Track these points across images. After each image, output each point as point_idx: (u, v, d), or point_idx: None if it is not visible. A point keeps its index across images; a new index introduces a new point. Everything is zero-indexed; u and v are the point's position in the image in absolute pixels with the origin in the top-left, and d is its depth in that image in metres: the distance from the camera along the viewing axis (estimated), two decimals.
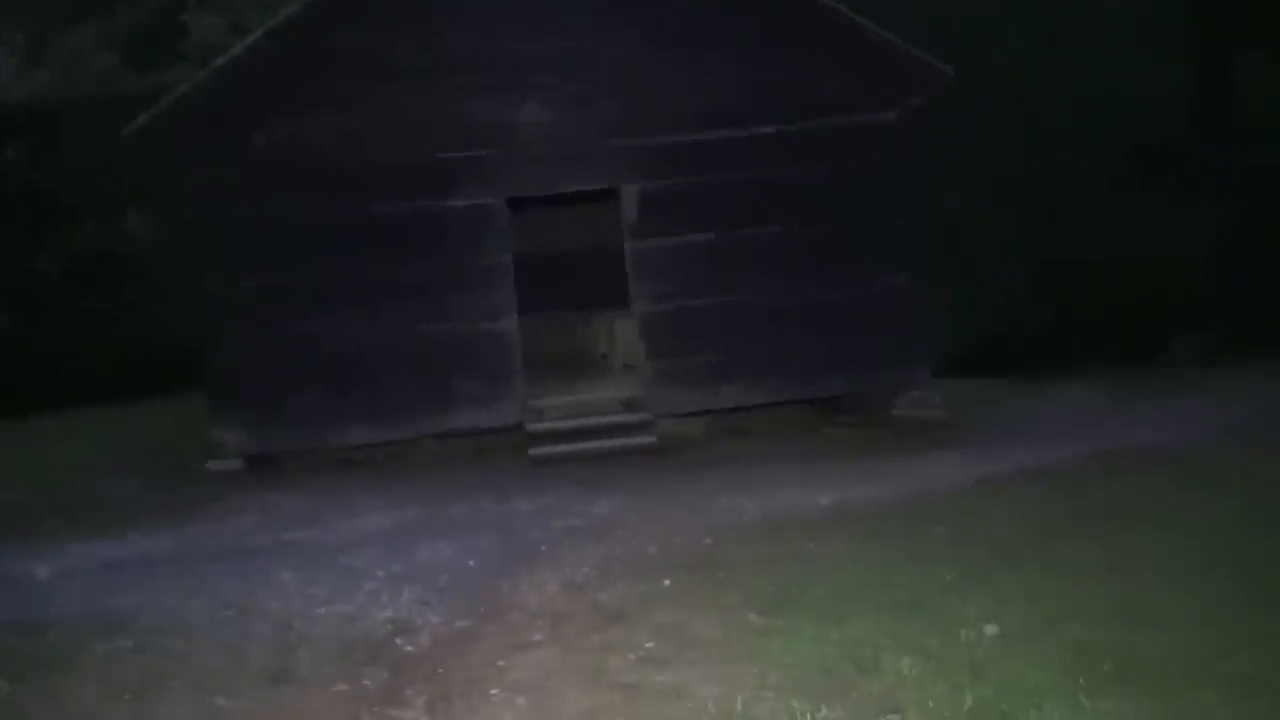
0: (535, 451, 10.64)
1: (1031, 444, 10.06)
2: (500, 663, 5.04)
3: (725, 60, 11.50)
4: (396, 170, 11.12)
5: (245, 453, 11.00)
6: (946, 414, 11.81)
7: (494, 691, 4.69)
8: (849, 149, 11.61)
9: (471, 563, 6.90)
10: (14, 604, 6.40)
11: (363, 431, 11.16)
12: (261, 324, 11.01)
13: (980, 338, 18.94)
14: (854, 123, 11.63)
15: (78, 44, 18.74)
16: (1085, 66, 20.88)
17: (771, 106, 11.53)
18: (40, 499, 10.08)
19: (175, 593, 6.47)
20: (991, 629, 4.90)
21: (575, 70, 11.29)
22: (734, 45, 11.48)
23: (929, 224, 12.96)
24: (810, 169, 11.55)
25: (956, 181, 19.03)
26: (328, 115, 11.10)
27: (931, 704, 4.16)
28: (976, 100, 17.20)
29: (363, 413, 11.13)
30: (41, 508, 9.67)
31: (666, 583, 6.05)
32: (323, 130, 11.08)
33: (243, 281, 10.99)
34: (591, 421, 11.03)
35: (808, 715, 4.13)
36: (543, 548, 7.08)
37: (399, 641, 5.51)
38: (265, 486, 10.15)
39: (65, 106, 17.66)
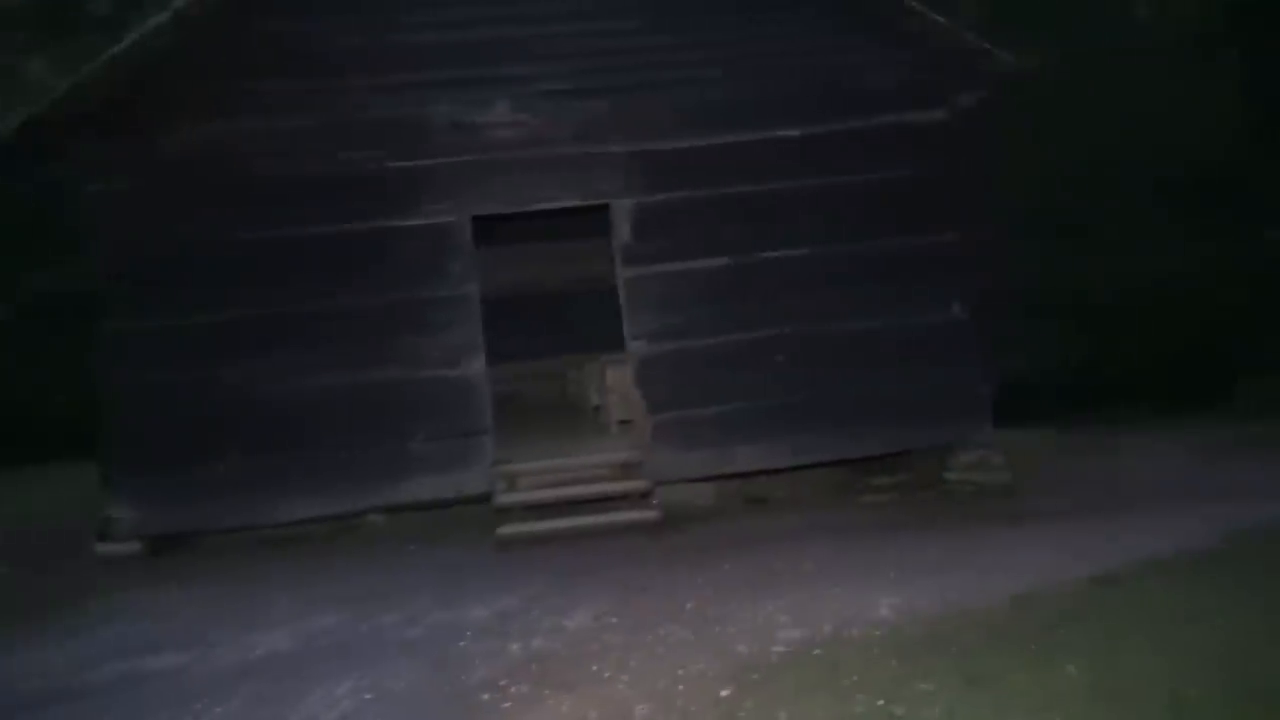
0: (504, 531, 8.46)
1: (1133, 517, 7.89)
2: None
3: (740, 47, 9.50)
4: (337, 182, 9.07)
5: (145, 532, 8.84)
6: (1011, 477, 9.63)
7: None
8: (894, 154, 9.57)
9: None
10: None
11: (295, 505, 8.99)
12: (168, 371, 8.90)
13: (1011, 380, 16.74)
14: (901, 122, 9.60)
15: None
16: (1128, 82, 18.88)
17: (798, 103, 9.52)
18: None
19: None
20: None
21: (554, 60, 9.29)
22: (751, 28, 9.47)
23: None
24: (846, 179, 9.53)
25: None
26: (253, 117, 9.06)
27: None
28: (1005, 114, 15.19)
29: (295, 482, 8.98)
30: None
31: None
32: (246, 135, 9.03)
33: (145, 318, 8.89)
34: (576, 491, 8.86)
35: None
36: (484, 696, 4.87)
37: None
38: (159, 579, 7.98)
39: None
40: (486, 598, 6.81)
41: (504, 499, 8.82)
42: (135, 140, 8.92)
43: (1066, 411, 15.14)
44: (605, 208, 9.45)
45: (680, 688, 4.70)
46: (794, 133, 9.50)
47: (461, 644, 5.81)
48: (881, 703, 4.33)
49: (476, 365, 9.20)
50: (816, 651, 5.16)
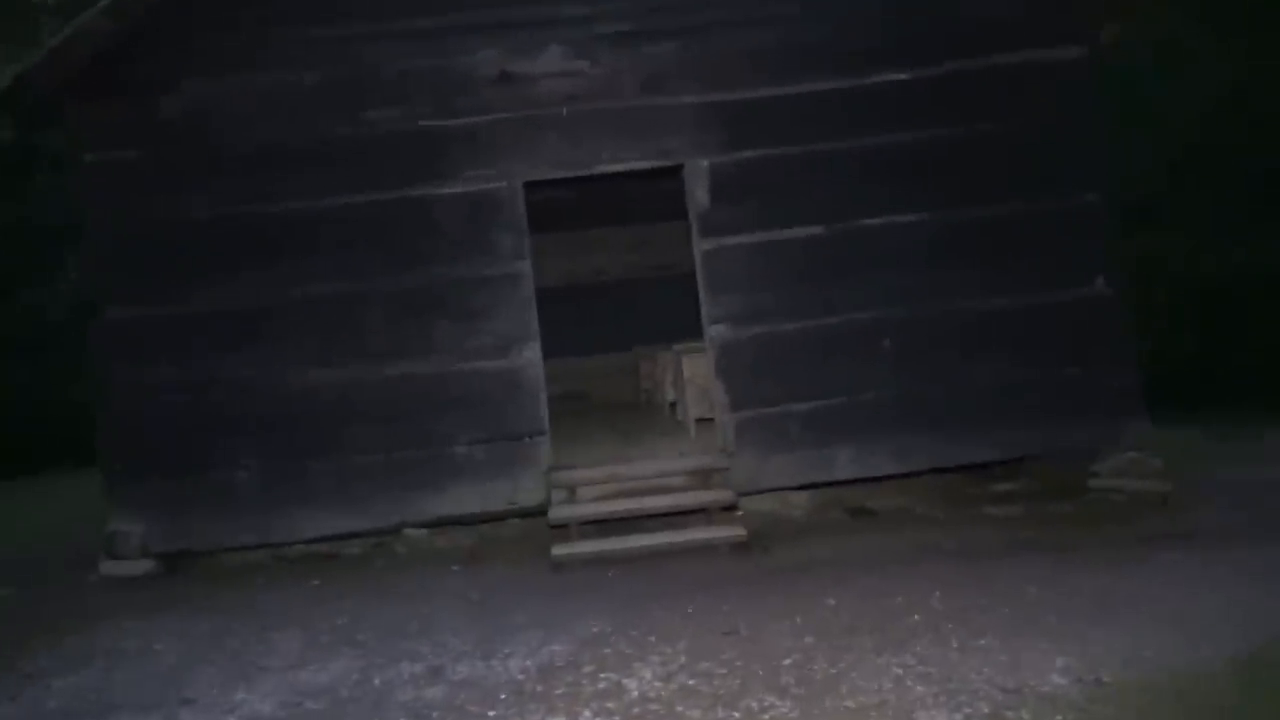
0: (560, 551, 7.10)
1: None
2: None
3: None
4: (364, 145, 7.83)
5: (154, 549, 7.69)
6: (1171, 486, 7.99)
7: None
8: (1023, 99, 8.01)
9: None
10: None
11: (321, 519, 7.77)
12: (174, 364, 7.74)
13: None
14: (1031, 61, 8.02)
15: None
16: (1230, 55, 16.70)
17: (904, 40, 8.00)
18: None
19: None
20: None
21: None
22: None
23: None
24: (964, 130, 7.98)
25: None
26: (266, 71, 7.85)
27: None
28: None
29: (322, 492, 7.77)
30: None
31: None
32: (259, 92, 7.83)
33: (147, 305, 7.74)
34: (645, 504, 7.47)
35: None
36: None
37: None
38: (158, 606, 6.79)
39: None
40: (532, 641, 5.45)
41: (561, 512, 7.47)
42: (135, 101, 7.76)
43: (1186, 407, 13.29)
44: (677, 170, 8.04)
45: None
46: (900, 76, 7.98)
47: (491, 715, 4.45)
48: None
49: (529, 355, 7.86)
50: None
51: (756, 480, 7.84)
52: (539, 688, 4.71)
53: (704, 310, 8.00)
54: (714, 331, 7.92)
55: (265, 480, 7.76)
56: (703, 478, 7.74)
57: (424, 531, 7.92)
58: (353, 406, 7.80)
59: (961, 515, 7.98)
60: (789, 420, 7.87)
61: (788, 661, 4.76)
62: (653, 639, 5.30)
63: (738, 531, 7.24)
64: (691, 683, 4.60)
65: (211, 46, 7.83)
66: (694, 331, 8.59)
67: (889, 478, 8.15)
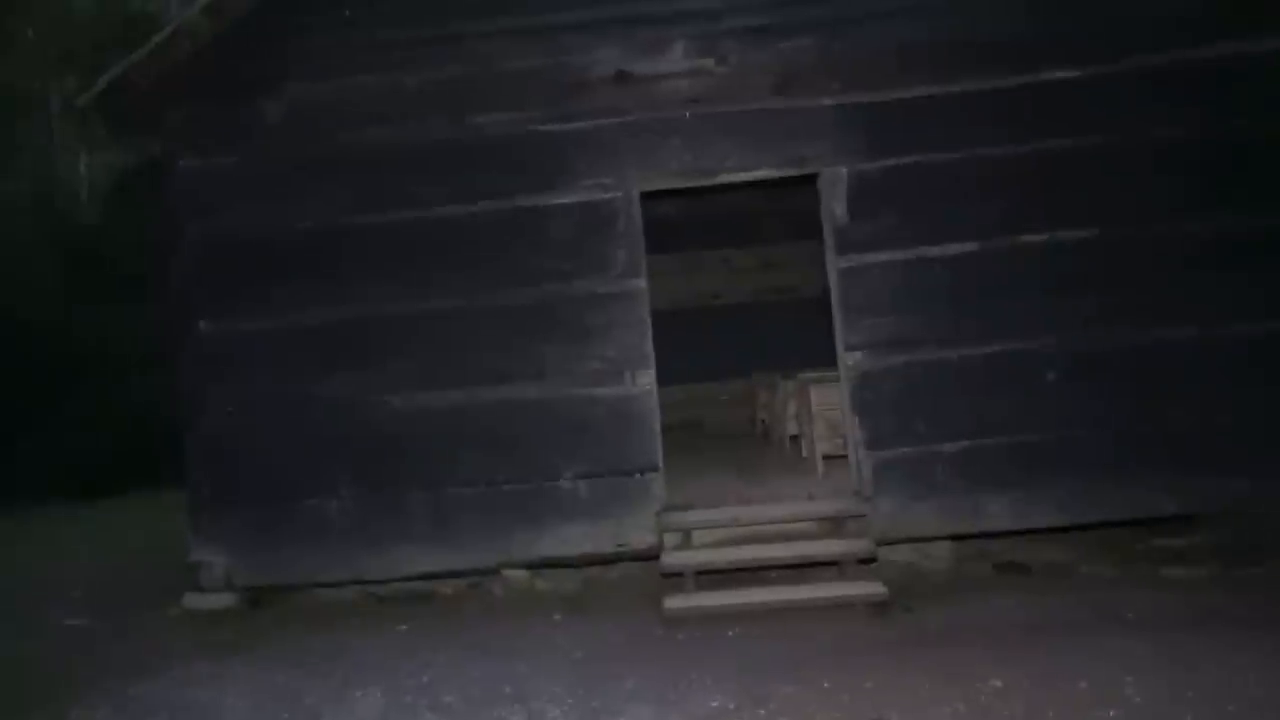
0: (673, 604, 6.31)
1: None
2: None
3: None
4: (470, 152, 7.23)
5: (237, 583, 7.19)
6: None
7: None
8: (1224, 98, 6.95)
9: None
10: None
11: (415, 556, 7.15)
12: (266, 383, 7.25)
13: None
14: (1222, 56, 6.97)
15: None
16: None
17: (1076, 35, 7.05)
18: None
19: None
20: None
21: None
22: None
23: None
24: (1142, 135, 6.98)
25: None
26: (371, 74, 7.33)
27: None
28: None
29: (417, 526, 7.16)
30: None
31: None
32: (362, 95, 7.31)
33: (239, 320, 7.27)
34: (769, 553, 6.64)
35: None
36: None
37: None
38: (231, 648, 6.24)
39: None
40: (642, 712, 4.69)
41: (674, 559, 6.69)
42: (234, 105, 7.34)
43: None
44: (812, 179, 7.24)
45: None
46: (1069, 74, 7.02)
47: None
48: None
49: (644, 382, 7.13)
50: None
51: (895, 529, 6.93)
52: None
53: (839, 336, 7.14)
54: (850, 360, 7.06)
55: (359, 511, 7.19)
56: (836, 525, 6.87)
57: (524, 573, 7.23)
58: (455, 433, 7.18)
59: (1133, 575, 6.91)
60: (935, 462, 6.94)
61: None
62: None
63: (876, 588, 6.34)
64: None
65: (315, 47, 7.36)
66: (815, 360, 7.75)
67: (1042, 531, 7.14)
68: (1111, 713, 4.35)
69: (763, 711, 4.61)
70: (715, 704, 4.78)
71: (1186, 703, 4.42)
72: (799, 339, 9.23)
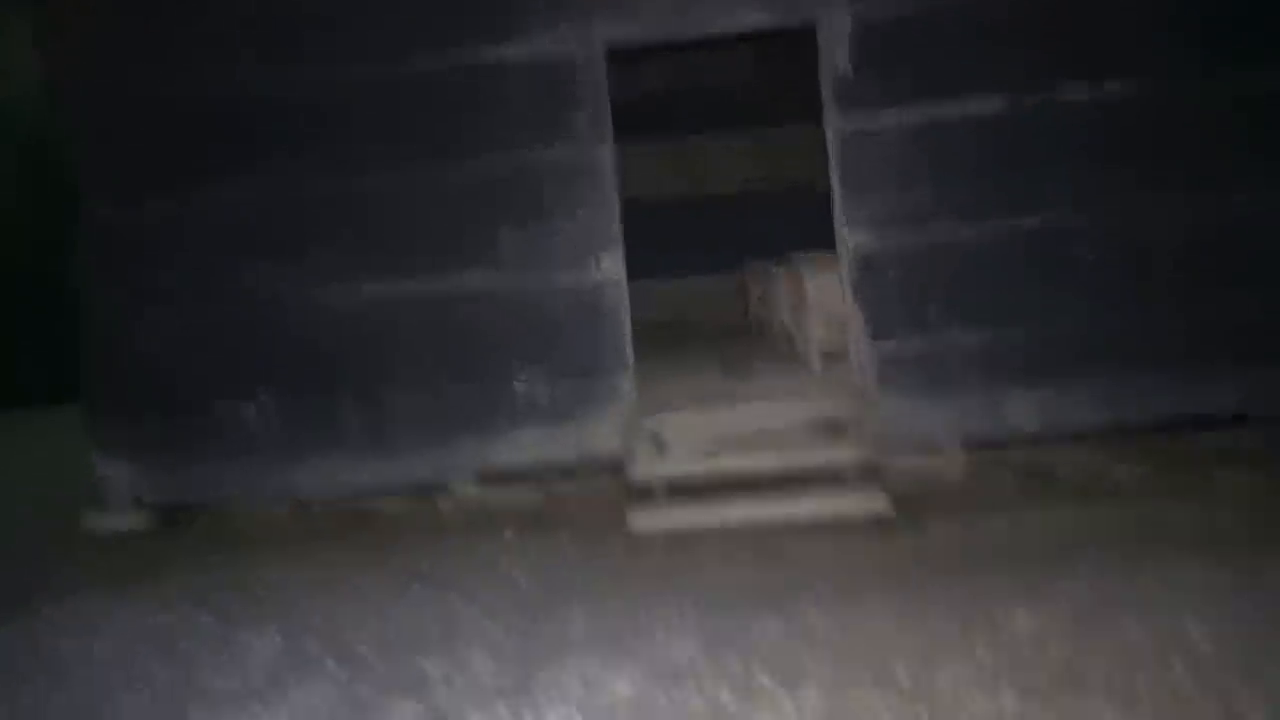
0: (641, 522, 5.39)
1: None
2: None
3: None
4: (410, 3, 6.10)
5: (147, 499, 6.28)
6: None
7: None
8: None
9: None
10: None
11: (349, 468, 6.24)
12: (172, 275, 6.24)
13: None
14: None
15: None
16: None
17: None
18: None
19: None
20: None
21: None
22: None
23: None
24: None
25: None
26: None
27: None
28: None
29: (348, 436, 6.23)
30: None
31: None
32: None
33: (139, 200, 6.23)
34: (756, 462, 5.69)
35: None
36: None
37: None
38: (129, 579, 5.34)
39: None
40: (587, 672, 3.77)
41: (645, 469, 5.75)
42: None
43: None
44: (810, 29, 6.09)
45: None
46: None
47: None
48: None
49: (609, 267, 6.11)
50: None
51: (903, 433, 5.98)
52: None
53: (839, 211, 6.08)
54: (852, 239, 6.01)
55: (283, 420, 6.25)
56: (833, 429, 5.90)
57: (475, 489, 6.30)
58: (391, 329, 6.20)
59: (1180, 486, 5.95)
60: (950, 355, 5.95)
61: None
62: (764, 680, 3.55)
63: (880, 503, 5.41)
64: None
65: None
66: (820, 239, 6.70)
67: (1070, 436, 6.18)
68: (1177, 665, 3.43)
69: (735, 664, 3.69)
70: (679, 652, 3.87)
71: (1263, 651, 3.50)
72: (793, 229, 8.19)
